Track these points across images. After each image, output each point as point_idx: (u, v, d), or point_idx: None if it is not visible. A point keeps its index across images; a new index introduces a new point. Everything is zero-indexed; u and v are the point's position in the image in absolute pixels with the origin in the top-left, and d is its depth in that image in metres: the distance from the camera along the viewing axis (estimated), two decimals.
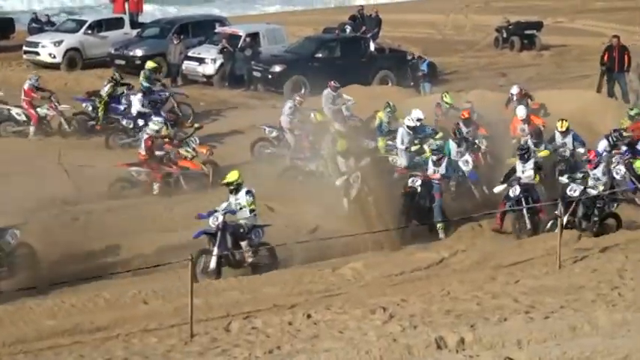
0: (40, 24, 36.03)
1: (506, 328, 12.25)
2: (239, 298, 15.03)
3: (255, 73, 31.39)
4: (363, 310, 13.84)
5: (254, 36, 32.81)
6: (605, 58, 28.59)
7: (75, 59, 33.39)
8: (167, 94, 26.47)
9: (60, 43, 33.42)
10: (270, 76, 31.24)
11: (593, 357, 10.46)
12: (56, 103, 25.54)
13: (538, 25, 38.31)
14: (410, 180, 18.98)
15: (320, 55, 31.80)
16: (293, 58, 31.78)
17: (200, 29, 34.03)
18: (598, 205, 17.98)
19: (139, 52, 32.94)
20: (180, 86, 31.20)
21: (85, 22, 34.54)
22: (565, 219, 16.95)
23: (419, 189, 18.75)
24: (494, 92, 28.81)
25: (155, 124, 21.75)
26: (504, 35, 38.17)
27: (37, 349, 13.10)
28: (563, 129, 21.55)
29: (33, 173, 20.96)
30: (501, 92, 29.12)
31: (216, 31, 33.45)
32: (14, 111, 25.52)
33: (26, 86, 25.67)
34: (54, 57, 33.14)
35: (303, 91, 28.21)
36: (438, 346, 11.43)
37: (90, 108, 25.99)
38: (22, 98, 25.56)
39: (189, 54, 32.35)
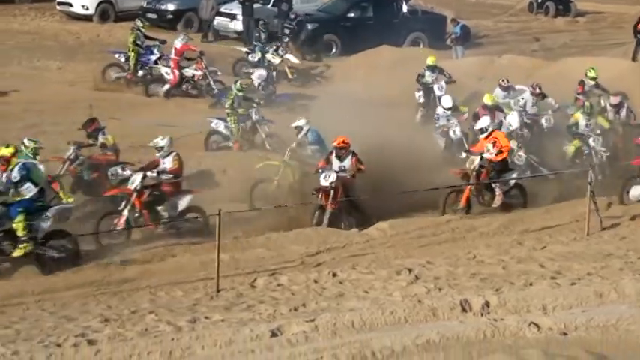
0: None
1: (531, 292, 12.21)
2: (265, 255, 15.09)
3: (286, 32, 31.27)
4: (389, 271, 13.85)
5: None
6: (639, 26, 28.24)
7: (107, 12, 33.40)
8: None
9: None
10: (301, 35, 31.11)
11: (619, 324, 10.39)
12: (205, 64, 25.23)
13: None
14: None
15: (352, 15, 31.65)
16: (325, 17, 31.65)
17: None
18: None
19: (170, 7, 32.92)
20: (211, 42, 31.16)
21: None
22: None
23: None
24: (526, 57, 28.58)
25: None
26: (539, 0, 37.78)
27: (65, 298, 13.23)
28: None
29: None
30: (533, 57, 28.93)
31: None
32: (163, 70, 25.31)
33: (178, 44, 25.39)
34: (87, 9, 33.17)
35: (334, 50, 28.02)
36: (463, 308, 11.41)
37: (123, 59, 25.99)
38: (172, 57, 25.30)
39: (221, 10, 32.28)
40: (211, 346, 10.23)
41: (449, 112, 21.11)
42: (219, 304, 12.65)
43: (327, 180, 16.85)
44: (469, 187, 17.30)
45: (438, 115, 21.35)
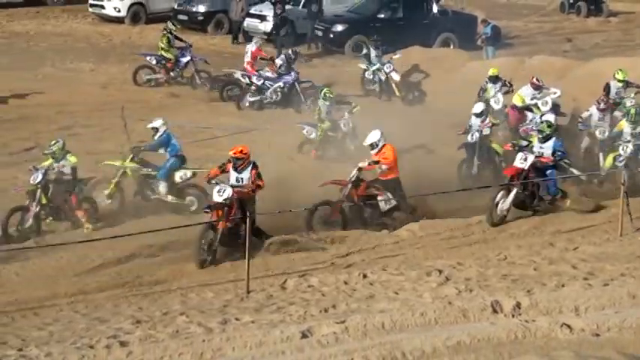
0: None
1: (563, 294, 12.12)
2: (295, 256, 15.10)
3: (316, 32, 31.34)
4: (419, 272, 13.81)
5: None
6: None
7: (139, 14, 33.64)
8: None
9: None
10: (331, 36, 31.17)
11: None
12: (277, 67, 25.07)
13: None
14: None
15: (382, 16, 31.65)
16: (355, 17, 31.67)
17: None
18: None
19: (201, 8, 33.10)
20: (242, 43, 31.23)
21: None
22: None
23: None
24: (557, 58, 28.41)
25: None
26: (571, 0, 37.59)
27: (98, 300, 13.31)
28: None
29: None
30: (565, 58, 28.75)
31: None
32: (238, 74, 25.22)
33: (253, 47, 25.48)
34: (119, 11, 33.42)
35: (364, 51, 27.91)
36: (494, 310, 11.35)
37: (154, 61, 26.10)
38: (247, 61, 25.32)
39: (251, 11, 32.39)
40: (242, 347, 10.25)
41: (479, 119, 20.11)
42: (250, 306, 12.67)
43: (221, 195, 14.99)
44: (339, 203, 16.47)
45: (470, 123, 20.33)
